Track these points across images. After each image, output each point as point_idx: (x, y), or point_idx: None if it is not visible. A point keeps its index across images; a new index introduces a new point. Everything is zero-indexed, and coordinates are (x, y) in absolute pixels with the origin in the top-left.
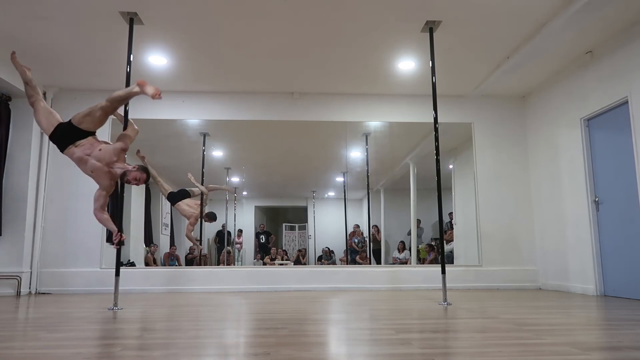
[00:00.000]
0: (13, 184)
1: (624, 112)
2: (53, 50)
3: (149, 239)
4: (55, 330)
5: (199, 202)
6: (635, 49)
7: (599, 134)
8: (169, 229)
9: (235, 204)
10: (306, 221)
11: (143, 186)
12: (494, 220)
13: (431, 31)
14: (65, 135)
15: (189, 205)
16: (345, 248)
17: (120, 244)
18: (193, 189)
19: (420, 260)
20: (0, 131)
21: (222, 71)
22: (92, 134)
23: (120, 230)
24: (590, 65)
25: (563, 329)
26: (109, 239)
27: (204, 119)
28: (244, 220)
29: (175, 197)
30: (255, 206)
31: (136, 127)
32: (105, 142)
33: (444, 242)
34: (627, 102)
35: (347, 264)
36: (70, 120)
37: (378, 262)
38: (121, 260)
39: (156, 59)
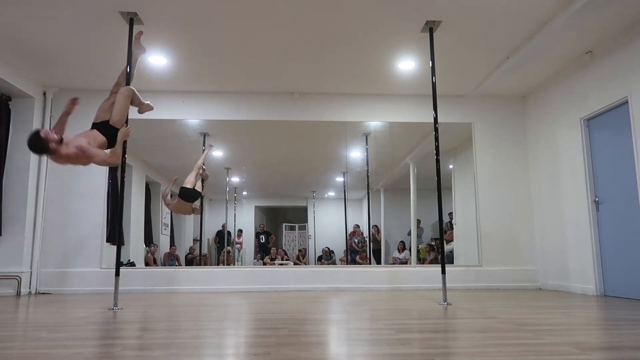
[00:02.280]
0: (13, 184)
1: (624, 112)
2: (53, 50)
3: (149, 239)
4: (55, 330)
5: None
6: (635, 49)
7: (599, 134)
8: (169, 229)
9: (235, 204)
10: (306, 221)
11: (144, 186)
12: (494, 220)
13: (431, 31)
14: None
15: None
16: (345, 248)
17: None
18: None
19: (420, 260)
20: (0, 131)
21: (222, 71)
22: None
23: (120, 231)
24: (590, 65)
25: (563, 329)
26: (109, 239)
27: (204, 119)
28: (244, 220)
29: (186, 195)
30: (255, 206)
31: (118, 159)
32: (91, 148)
33: (444, 242)
34: (627, 102)
35: (347, 264)
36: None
37: (378, 262)
38: (121, 260)
39: (156, 59)
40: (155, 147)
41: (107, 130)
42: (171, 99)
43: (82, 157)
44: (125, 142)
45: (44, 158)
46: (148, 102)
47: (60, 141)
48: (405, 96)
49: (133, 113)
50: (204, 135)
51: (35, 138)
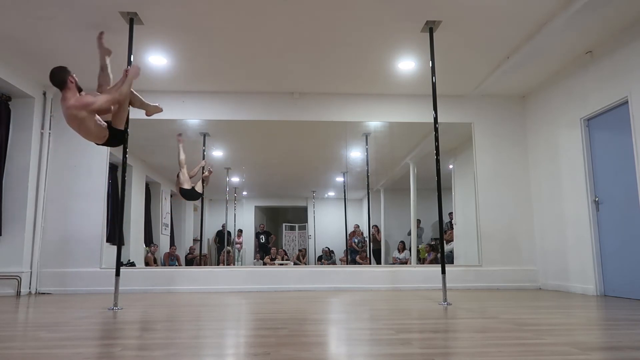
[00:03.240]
0: (13, 184)
1: (624, 112)
2: (53, 50)
3: (149, 239)
4: (55, 330)
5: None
6: (635, 49)
7: (599, 134)
8: (169, 229)
9: (235, 204)
10: (306, 221)
11: (144, 186)
12: (494, 220)
13: (431, 31)
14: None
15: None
16: (345, 248)
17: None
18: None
19: (420, 260)
20: (0, 131)
21: (222, 71)
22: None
23: (120, 231)
24: (590, 65)
25: (563, 329)
26: (109, 239)
27: (204, 119)
28: (244, 220)
29: (186, 196)
30: (255, 206)
31: (122, 95)
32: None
33: (444, 242)
34: (627, 102)
35: (347, 264)
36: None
37: (378, 262)
38: (121, 260)
39: (156, 59)
40: (155, 147)
41: (110, 131)
42: (171, 99)
43: (79, 107)
44: (126, 141)
45: (44, 157)
46: (156, 103)
47: (79, 90)
48: (405, 96)
49: (134, 112)
50: (204, 135)
51: (60, 67)
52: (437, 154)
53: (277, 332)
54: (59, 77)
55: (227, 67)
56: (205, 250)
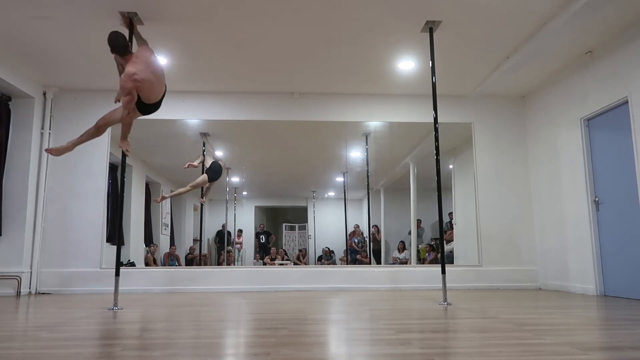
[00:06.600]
0: (13, 184)
1: (624, 112)
2: (53, 50)
3: (149, 239)
4: (55, 330)
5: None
6: (635, 49)
7: (599, 134)
8: (169, 229)
9: (235, 204)
10: (306, 221)
11: (143, 186)
12: (494, 220)
13: (431, 31)
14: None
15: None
16: (345, 248)
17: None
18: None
19: (420, 260)
20: (0, 131)
21: (222, 71)
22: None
23: (120, 231)
24: (590, 65)
25: (563, 329)
26: (109, 239)
27: (204, 119)
28: (244, 220)
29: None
30: (255, 206)
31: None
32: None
33: (444, 242)
34: (627, 102)
35: (347, 264)
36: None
37: (378, 262)
38: (121, 260)
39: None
40: (155, 147)
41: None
42: (171, 99)
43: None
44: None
45: (44, 157)
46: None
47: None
48: (405, 96)
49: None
50: (204, 135)
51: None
52: (437, 154)
53: (277, 332)
54: (122, 44)
55: (228, 67)
56: (205, 250)
